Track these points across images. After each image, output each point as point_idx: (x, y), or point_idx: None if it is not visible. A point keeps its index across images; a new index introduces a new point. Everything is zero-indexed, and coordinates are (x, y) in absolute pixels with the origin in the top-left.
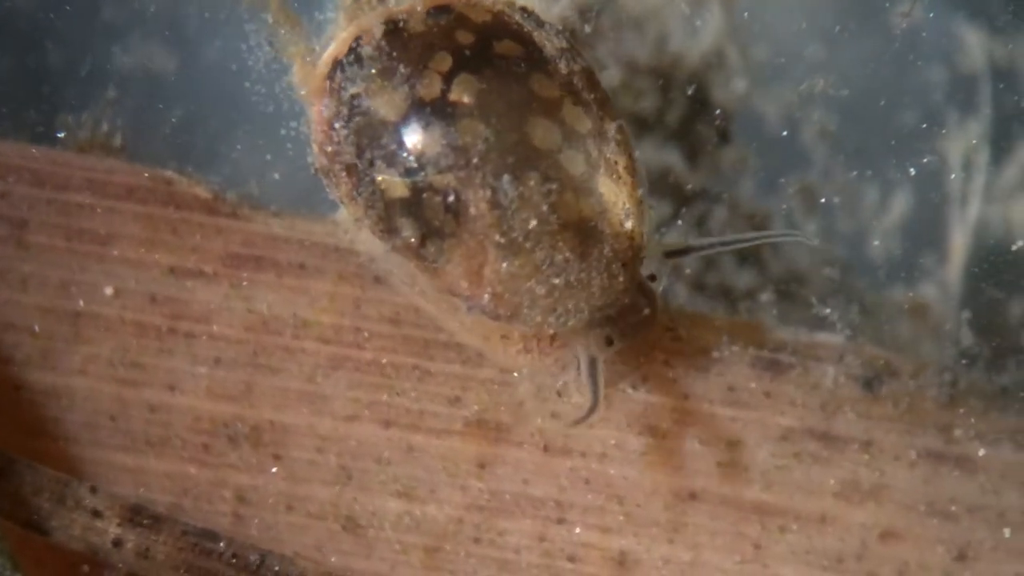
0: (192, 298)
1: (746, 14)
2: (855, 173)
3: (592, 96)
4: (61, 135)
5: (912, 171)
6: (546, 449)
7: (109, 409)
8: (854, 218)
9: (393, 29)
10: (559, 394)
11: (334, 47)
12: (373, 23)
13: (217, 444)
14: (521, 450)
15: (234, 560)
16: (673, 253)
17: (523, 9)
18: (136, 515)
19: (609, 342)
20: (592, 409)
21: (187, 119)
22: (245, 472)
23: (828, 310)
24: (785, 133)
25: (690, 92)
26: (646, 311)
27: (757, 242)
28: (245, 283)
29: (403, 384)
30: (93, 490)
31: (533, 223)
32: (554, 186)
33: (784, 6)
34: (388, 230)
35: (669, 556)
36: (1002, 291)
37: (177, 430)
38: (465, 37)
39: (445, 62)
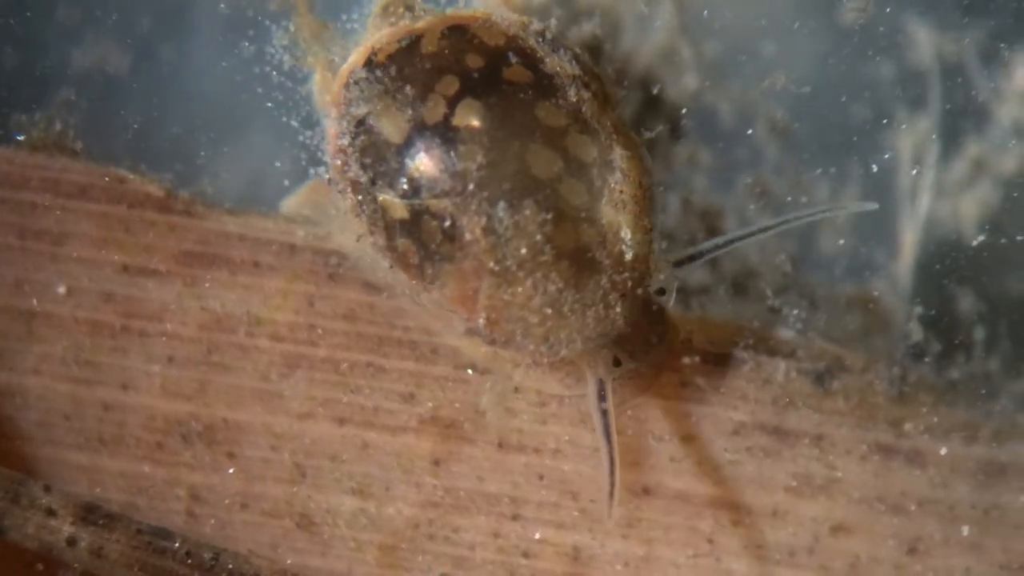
0: (145, 296)
1: (705, 12)
2: (806, 168)
3: (602, 124)
4: (20, 137)
5: (863, 167)
6: (500, 446)
7: (63, 408)
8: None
9: (407, 47)
10: (516, 390)
11: (351, 60)
12: (388, 39)
13: (171, 442)
14: (475, 447)
15: (188, 558)
16: (681, 262)
17: (539, 32)
18: (90, 514)
19: (617, 363)
20: (611, 456)
21: (142, 118)
22: (199, 470)
23: (780, 305)
24: (737, 129)
25: (644, 88)
26: (656, 331)
27: (766, 233)
28: (198, 281)
29: (357, 381)
30: (47, 489)
31: (526, 252)
32: (550, 216)
33: (742, 3)
34: (389, 248)
35: (623, 551)
36: (952, 286)
37: (131, 429)
38: (475, 61)
39: (452, 86)
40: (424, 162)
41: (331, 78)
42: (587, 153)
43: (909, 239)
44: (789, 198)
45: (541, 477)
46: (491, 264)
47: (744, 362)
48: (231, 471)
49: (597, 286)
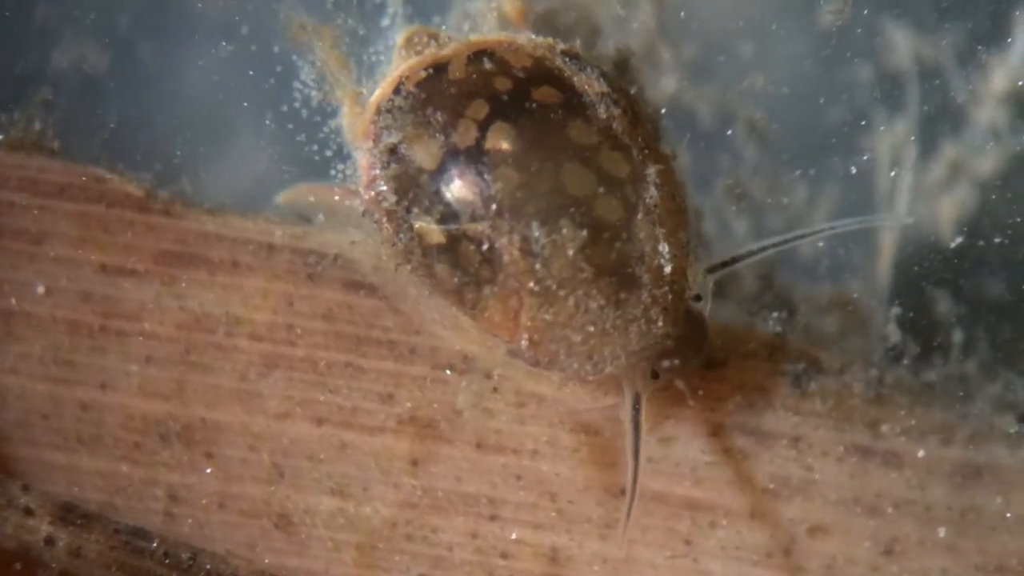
0: (124, 296)
1: (682, 13)
2: (785, 170)
3: (633, 140)
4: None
5: (841, 168)
6: (479, 446)
7: (41, 407)
8: (784, 215)
9: (434, 74)
10: (495, 390)
11: (379, 90)
12: (415, 68)
13: (149, 442)
14: (454, 447)
15: (166, 559)
16: (714, 268)
17: (565, 52)
18: (68, 513)
19: (655, 375)
20: (634, 473)
21: (120, 118)
22: (177, 470)
23: (758, 307)
24: (715, 130)
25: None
26: (695, 339)
27: (797, 242)
28: (177, 281)
29: (336, 381)
30: (25, 488)
31: (566, 271)
32: (586, 233)
33: (720, 5)
34: (428, 275)
35: (601, 552)
36: (930, 289)
37: (109, 428)
38: (503, 84)
39: (482, 110)
40: (458, 187)
41: (360, 111)
42: (620, 169)
43: (887, 241)
44: (769, 200)
45: (519, 478)
46: (531, 285)
47: (722, 363)
48: (209, 471)
49: (638, 301)
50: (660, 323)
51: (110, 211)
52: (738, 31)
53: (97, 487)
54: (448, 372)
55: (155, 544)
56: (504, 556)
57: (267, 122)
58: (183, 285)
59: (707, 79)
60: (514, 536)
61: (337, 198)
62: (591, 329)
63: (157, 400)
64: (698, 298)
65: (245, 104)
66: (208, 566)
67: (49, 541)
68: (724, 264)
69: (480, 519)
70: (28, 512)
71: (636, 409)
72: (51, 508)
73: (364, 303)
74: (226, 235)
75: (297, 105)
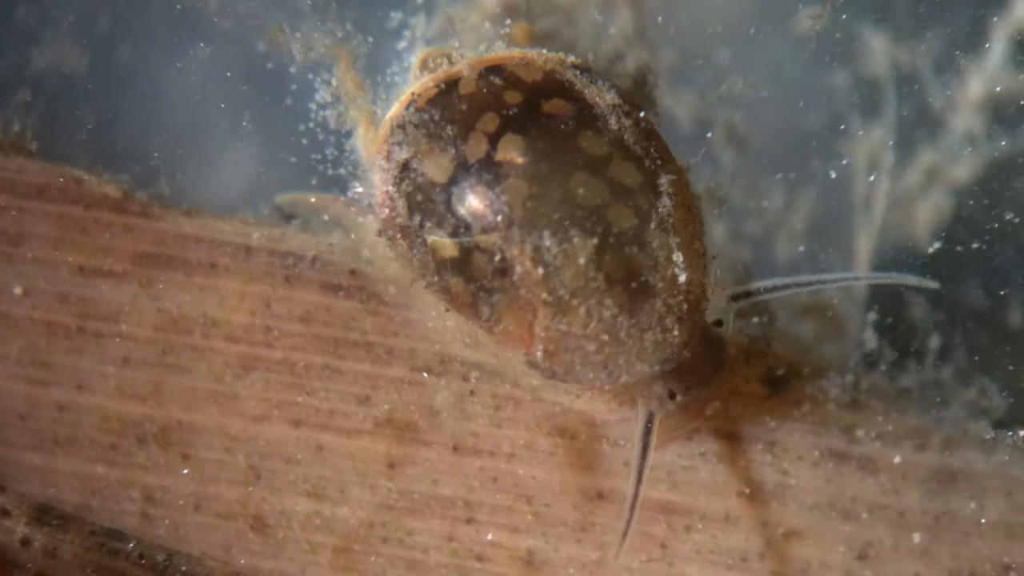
0: (101, 297)
1: (660, 18)
2: (764, 174)
3: (646, 150)
4: None
5: (819, 174)
6: (455, 449)
7: (18, 408)
8: (761, 220)
9: (445, 90)
10: (472, 393)
11: (393, 110)
12: (427, 84)
13: (125, 444)
14: (431, 450)
15: (141, 560)
16: (739, 296)
17: (577, 66)
18: (44, 514)
19: (672, 396)
20: (635, 491)
21: (99, 119)
22: (153, 472)
23: (736, 310)
24: (694, 134)
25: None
26: (713, 361)
27: (832, 285)
28: (154, 282)
29: (313, 383)
30: (1, 489)
31: (577, 280)
32: (597, 242)
33: (698, 9)
34: (443, 291)
35: (577, 555)
36: (908, 294)
37: (85, 430)
38: (514, 97)
39: (492, 123)
40: (470, 199)
41: (375, 130)
42: (632, 179)
43: (865, 246)
44: (749, 203)
45: (496, 480)
46: (544, 295)
47: None
48: (185, 472)
49: (652, 310)
50: (676, 332)
51: (88, 212)
52: (716, 36)
53: (73, 488)
54: (425, 374)
55: (131, 545)
56: (480, 559)
57: (245, 124)
58: (160, 286)
59: (685, 84)
60: (490, 539)
61: (352, 215)
62: (605, 338)
63: (134, 401)
64: (719, 323)
65: (223, 106)
66: (183, 568)
67: (25, 542)
68: (749, 294)
69: (456, 522)
70: (4, 513)
71: (647, 428)
72: (27, 509)
73: (341, 305)
74: (203, 237)
75: (312, 125)
